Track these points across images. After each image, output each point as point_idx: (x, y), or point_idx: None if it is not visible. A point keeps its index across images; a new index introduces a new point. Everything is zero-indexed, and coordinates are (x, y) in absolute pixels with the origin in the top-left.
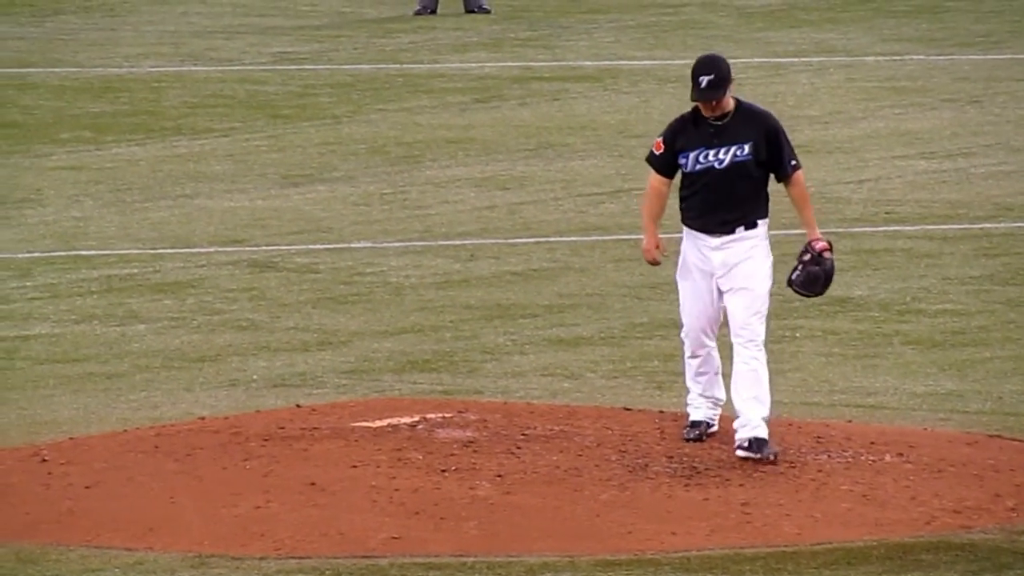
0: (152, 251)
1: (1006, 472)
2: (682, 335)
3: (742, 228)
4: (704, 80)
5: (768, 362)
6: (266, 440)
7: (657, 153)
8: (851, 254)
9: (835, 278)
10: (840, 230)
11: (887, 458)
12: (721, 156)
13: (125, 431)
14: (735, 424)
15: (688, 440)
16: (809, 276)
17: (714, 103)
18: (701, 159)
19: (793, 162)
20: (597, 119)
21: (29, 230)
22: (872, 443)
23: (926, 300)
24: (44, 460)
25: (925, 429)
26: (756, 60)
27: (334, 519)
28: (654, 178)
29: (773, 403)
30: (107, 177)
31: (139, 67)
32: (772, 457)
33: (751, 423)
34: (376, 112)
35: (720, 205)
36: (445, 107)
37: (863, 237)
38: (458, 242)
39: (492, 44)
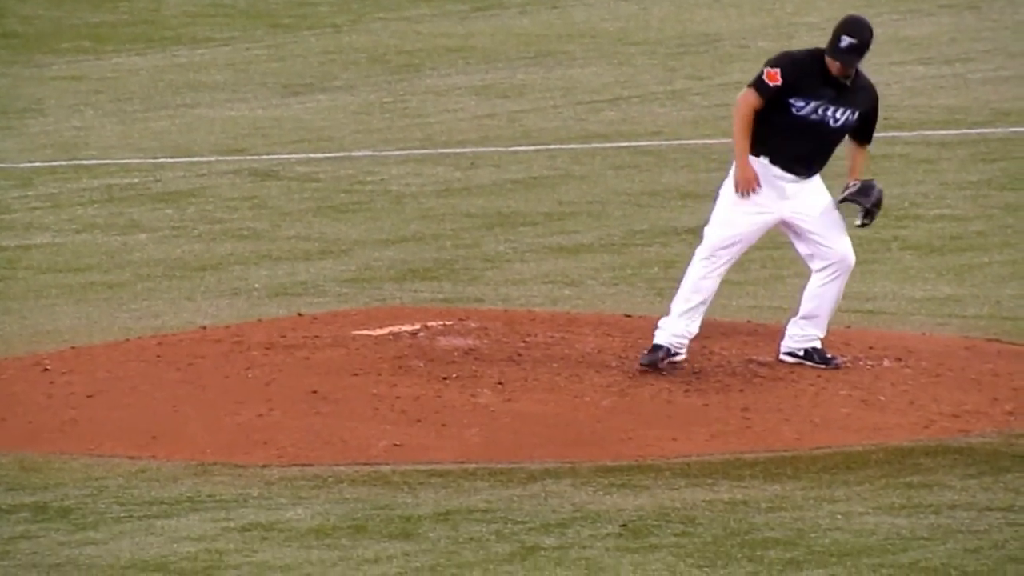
0: (153, 160)
1: (1004, 376)
2: (703, 255)
3: (807, 177)
4: (847, 42)
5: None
6: (268, 349)
7: (770, 84)
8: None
9: (834, 184)
10: None
11: (885, 363)
12: (838, 116)
13: (127, 340)
14: (795, 337)
15: (642, 365)
16: (863, 188)
17: (854, 67)
18: (820, 112)
19: (872, 135)
20: (597, 27)
21: (30, 139)
22: (871, 348)
23: (924, 205)
24: (46, 369)
25: (923, 334)
26: None
27: (336, 427)
28: (755, 101)
29: (774, 308)
30: (107, 87)
31: None
32: (839, 362)
33: (812, 335)
34: (376, 21)
35: (815, 155)
36: (445, 15)
37: None
38: (458, 150)
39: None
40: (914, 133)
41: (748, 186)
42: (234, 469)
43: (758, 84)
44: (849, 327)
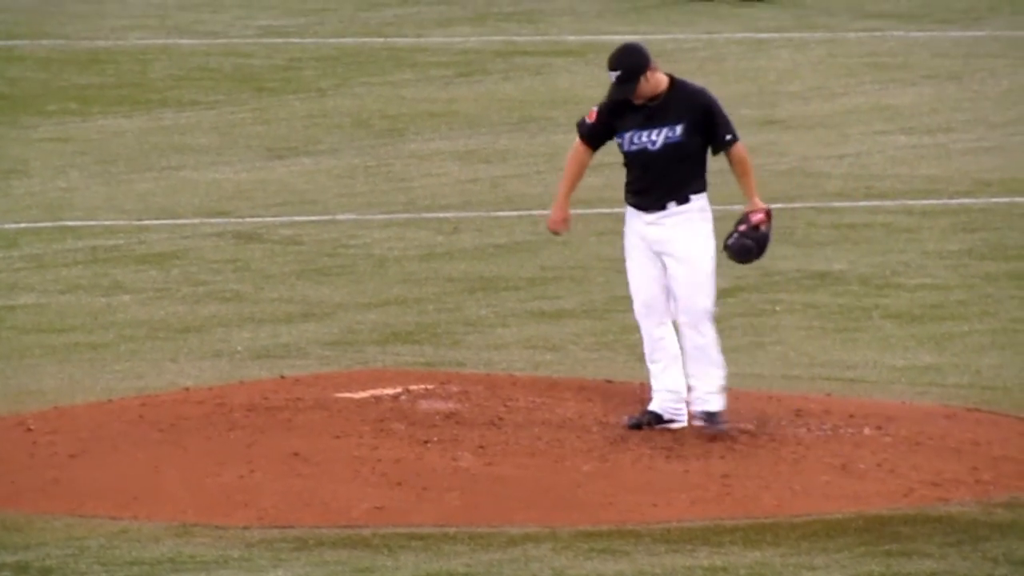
0: (137, 222)
1: (984, 445)
2: (634, 315)
3: (674, 204)
4: (613, 76)
5: (718, 333)
6: (250, 410)
7: (588, 122)
8: (831, 228)
9: (816, 252)
10: (820, 205)
11: (866, 431)
12: (654, 138)
13: (110, 401)
14: (690, 397)
15: (626, 426)
16: (743, 247)
17: (628, 96)
18: (635, 140)
19: (728, 136)
20: (580, 93)
21: (15, 200)
22: (851, 416)
23: (905, 274)
24: (29, 429)
25: (904, 402)
26: (738, 35)
27: (317, 489)
28: (578, 144)
29: (755, 376)
30: (93, 148)
31: (125, 39)
32: (725, 429)
33: (702, 396)
34: (360, 85)
35: (655, 184)
36: (429, 81)
37: (843, 211)
38: (441, 215)
39: (476, 18)
40: (896, 202)
41: (551, 226)
42: (215, 530)
43: (579, 123)
44: (830, 395)
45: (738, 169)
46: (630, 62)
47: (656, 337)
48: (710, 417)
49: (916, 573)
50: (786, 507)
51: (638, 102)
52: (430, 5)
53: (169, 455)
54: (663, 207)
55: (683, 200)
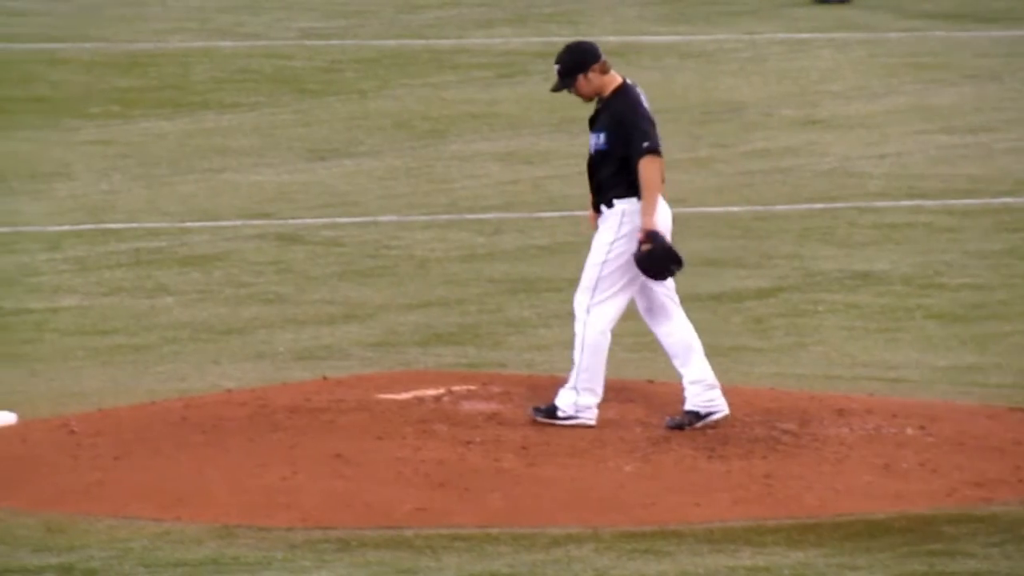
0: (180, 224)
1: None
2: None
3: (604, 207)
4: (555, 69)
5: (590, 328)
6: (292, 412)
7: None
8: (873, 228)
9: (858, 252)
10: (862, 205)
11: (908, 431)
12: (592, 142)
13: (153, 403)
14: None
15: (668, 427)
16: (639, 264)
17: (569, 91)
18: (590, 141)
19: (645, 144)
20: None
21: (59, 203)
22: (894, 416)
23: (947, 274)
24: (73, 431)
25: (946, 402)
26: (780, 35)
27: (360, 490)
28: None
29: (797, 376)
30: (135, 151)
31: (167, 42)
32: (552, 421)
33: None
34: (401, 87)
35: (593, 187)
36: (470, 82)
37: (885, 212)
38: (483, 216)
39: (516, 20)
40: (937, 202)
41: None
42: (258, 532)
43: None
44: (872, 395)
45: (640, 182)
46: (569, 59)
47: (663, 335)
48: (547, 412)
49: (959, 573)
50: (829, 507)
51: (586, 101)
52: (471, 7)
53: (212, 457)
54: (599, 210)
55: (608, 204)
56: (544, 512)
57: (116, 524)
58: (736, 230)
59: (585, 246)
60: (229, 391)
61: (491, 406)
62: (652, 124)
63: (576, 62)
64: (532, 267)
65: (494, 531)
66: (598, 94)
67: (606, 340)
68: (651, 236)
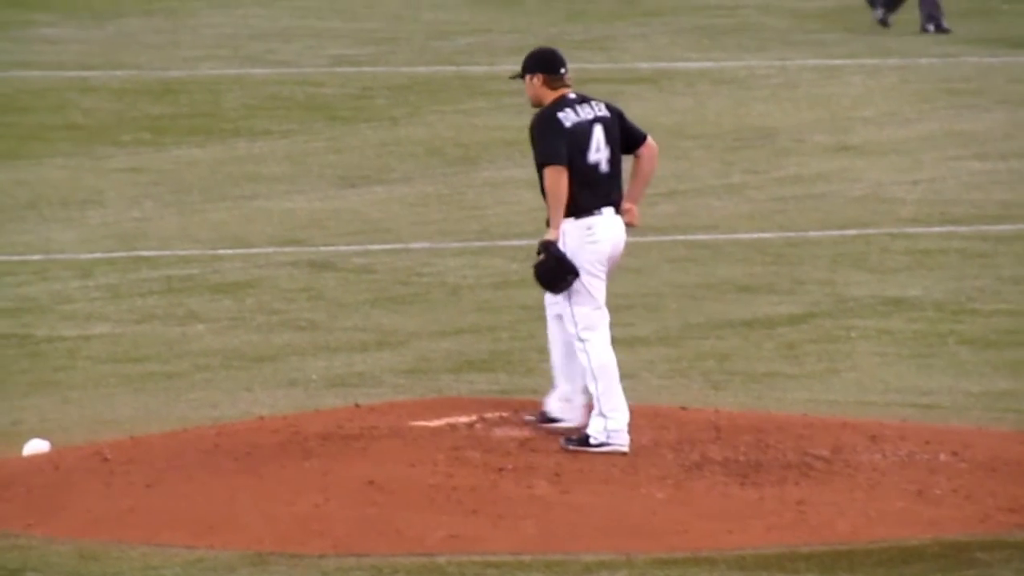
0: (212, 251)
1: None
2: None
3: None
4: None
5: (592, 353)
6: (325, 439)
7: None
8: (905, 254)
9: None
10: (894, 230)
11: (941, 457)
12: None
13: (185, 430)
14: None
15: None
16: (535, 275)
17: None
18: None
19: (542, 158)
20: (653, 120)
21: (91, 231)
22: (927, 442)
23: (980, 300)
24: (106, 459)
25: (979, 428)
26: (811, 62)
27: (392, 517)
28: None
29: (830, 402)
30: (167, 178)
31: (198, 69)
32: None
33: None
34: (433, 114)
35: None
36: (501, 109)
37: (918, 237)
38: (515, 242)
39: (548, 46)
40: (970, 228)
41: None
42: (291, 559)
43: None
44: (905, 421)
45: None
46: (527, 58)
47: (563, 342)
48: (579, 440)
49: None
50: (862, 533)
51: (532, 106)
52: (502, 33)
53: (244, 484)
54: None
55: (547, 223)
56: (577, 539)
57: (149, 551)
58: (768, 256)
59: (619, 272)
60: (261, 418)
61: (523, 433)
62: (561, 136)
63: (525, 64)
64: None
65: (527, 558)
66: (537, 104)
67: (610, 356)
68: (545, 246)
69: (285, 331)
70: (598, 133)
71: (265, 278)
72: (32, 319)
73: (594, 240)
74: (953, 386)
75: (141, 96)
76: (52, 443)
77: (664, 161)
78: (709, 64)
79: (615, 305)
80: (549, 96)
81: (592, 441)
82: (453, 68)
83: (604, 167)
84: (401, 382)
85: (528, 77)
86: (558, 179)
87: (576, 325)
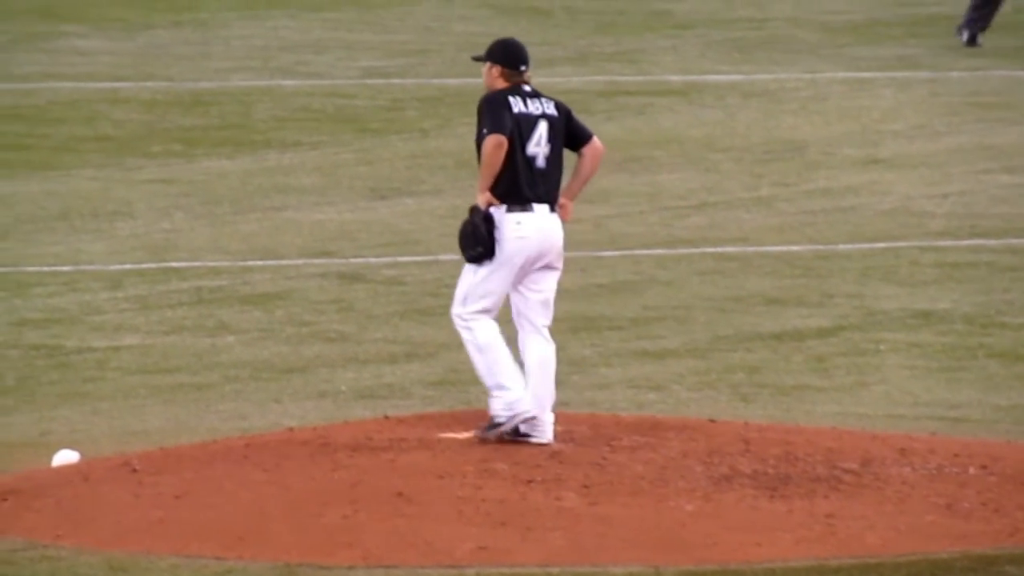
0: (241, 263)
1: None
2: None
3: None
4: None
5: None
6: (354, 451)
7: None
8: (935, 267)
9: (920, 291)
10: (924, 244)
11: (971, 470)
12: None
13: (215, 441)
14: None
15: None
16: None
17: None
18: None
19: (485, 129)
20: (683, 133)
21: (120, 242)
22: (956, 455)
23: (1010, 313)
24: (135, 470)
25: (1008, 441)
26: (840, 74)
27: (421, 529)
28: None
29: (859, 415)
30: (197, 190)
31: (229, 81)
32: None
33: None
34: (463, 126)
35: None
36: None
37: (947, 251)
38: None
39: (578, 58)
40: (1000, 241)
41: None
42: (319, 570)
43: None
44: (934, 434)
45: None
46: (492, 46)
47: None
48: (490, 427)
49: None
50: (891, 547)
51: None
52: (532, 45)
53: (274, 495)
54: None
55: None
56: (606, 551)
57: (178, 563)
58: (797, 269)
59: (649, 285)
60: (291, 430)
61: (552, 445)
62: (508, 113)
63: (492, 51)
64: (593, 306)
65: (555, 570)
66: (486, 85)
67: (496, 336)
68: (471, 209)
69: (315, 343)
70: (542, 128)
71: (295, 290)
72: (62, 330)
73: (520, 235)
74: (982, 399)
75: (171, 108)
76: (81, 454)
77: (693, 173)
78: (739, 77)
79: (645, 318)
80: (498, 85)
81: (498, 420)
82: (482, 80)
83: (541, 162)
84: (430, 394)
85: (488, 65)
86: (497, 148)
87: (464, 306)
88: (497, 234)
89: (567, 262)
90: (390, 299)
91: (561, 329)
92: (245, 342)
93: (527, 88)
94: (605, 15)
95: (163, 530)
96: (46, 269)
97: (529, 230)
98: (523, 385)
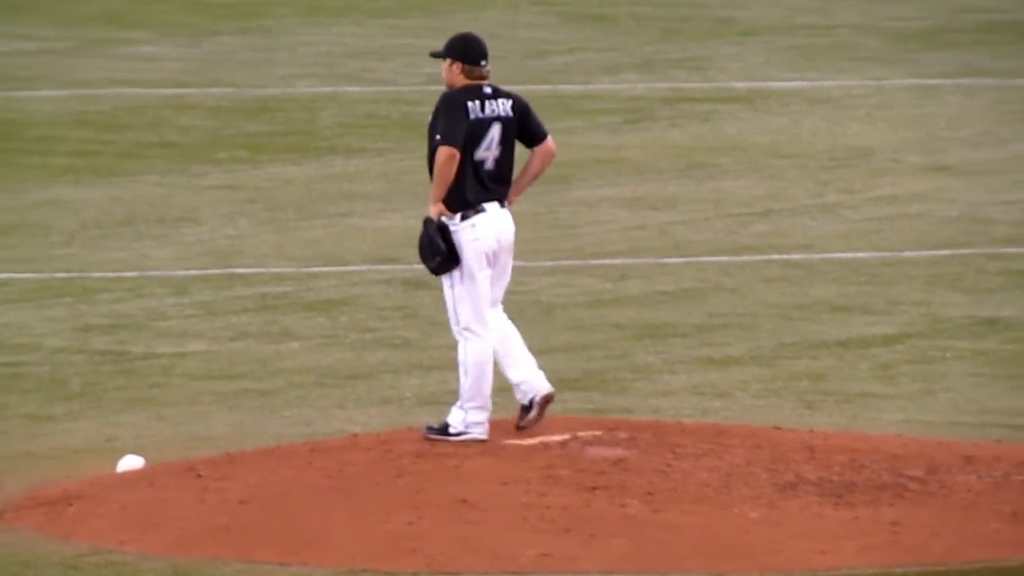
0: (306, 269)
1: None
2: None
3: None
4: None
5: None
6: (418, 457)
7: None
8: (1000, 275)
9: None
10: (989, 251)
11: None
12: None
13: (279, 447)
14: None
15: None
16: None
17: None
18: None
19: (438, 137)
20: (748, 140)
21: (186, 248)
22: (1021, 463)
23: None
24: (199, 475)
25: None
26: (907, 81)
27: (484, 535)
28: None
29: (925, 423)
30: (262, 196)
31: (294, 87)
32: (443, 438)
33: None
34: None
35: None
36: (596, 128)
37: (1012, 258)
38: (608, 261)
39: (643, 65)
40: None
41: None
42: None
43: None
44: (1000, 441)
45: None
46: (451, 41)
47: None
48: (440, 429)
49: None
50: (956, 555)
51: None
52: (598, 52)
53: (337, 501)
54: None
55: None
56: (669, 558)
57: (242, 568)
58: (863, 276)
59: (713, 292)
60: (355, 436)
61: (616, 452)
62: (463, 121)
63: (449, 47)
64: (658, 313)
65: None
66: (450, 87)
67: (488, 356)
68: (424, 222)
69: (379, 349)
70: (494, 131)
71: (359, 296)
72: (127, 336)
73: (476, 237)
74: None
75: (237, 114)
76: (146, 459)
77: (758, 180)
78: (804, 83)
79: (710, 325)
80: (462, 83)
81: (452, 430)
82: (548, 87)
83: (490, 165)
84: (494, 400)
85: (448, 62)
86: (449, 161)
87: (458, 322)
88: (455, 240)
89: (632, 269)
90: None
91: (625, 336)
92: (309, 348)
93: (487, 89)
94: (671, 22)
95: (227, 536)
96: (112, 275)
97: (482, 230)
98: (488, 413)
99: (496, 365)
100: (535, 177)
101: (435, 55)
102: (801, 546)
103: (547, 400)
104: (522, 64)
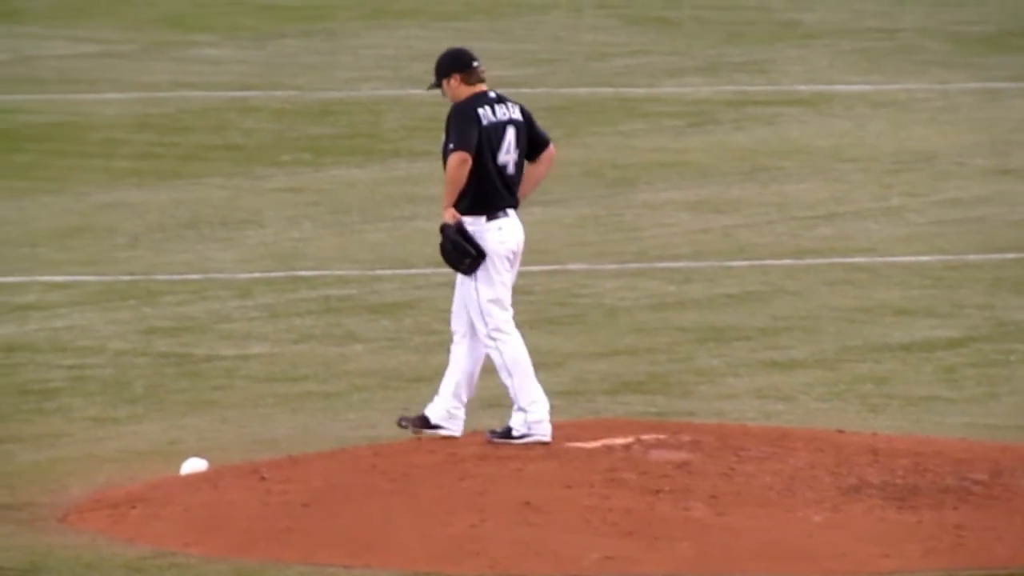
0: (370, 272)
1: None
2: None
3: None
4: None
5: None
6: (481, 460)
7: None
8: None
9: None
10: None
11: None
12: None
13: (342, 450)
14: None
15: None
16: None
17: (442, 94)
18: None
19: (451, 145)
20: (811, 143)
21: (249, 250)
22: None
23: None
24: (263, 478)
25: None
26: (971, 85)
27: (548, 538)
28: None
29: (989, 427)
30: (326, 198)
31: (358, 90)
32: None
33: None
34: (591, 135)
35: None
36: (660, 131)
37: None
38: (672, 264)
39: (707, 68)
40: None
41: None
42: None
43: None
44: None
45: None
46: (437, 64)
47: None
48: (503, 433)
49: None
50: (1020, 558)
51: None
52: (661, 55)
53: (401, 504)
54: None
55: (465, 212)
56: (733, 561)
57: (306, 571)
58: (927, 279)
59: (777, 295)
60: (419, 439)
61: (680, 455)
62: (476, 128)
63: (439, 67)
64: (721, 316)
65: None
66: (450, 99)
67: (523, 351)
68: (441, 229)
69: (443, 352)
70: (510, 135)
71: (423, 299)
72: (191, 338)
73: (502, 240)
74: None
75: (300, 117)
76: (210, 462)
77: (822, 183)
78: (868, 87)
79: (773, 328)
80: (467, 92)
81: (515, 433)
82: (612, 90)
83: (511, 169)
84: (558, 403)
85: (445, 82)
86: (461, 165)
87: (486, 324)
88: (480, 240)
89: (695, 272)
90: (518, 308)
91: (689, 339)
92: (373, 351)
93: (492, 94)
94: (734, 25)
95: (291, 538)
96: (175, 277)
97: (508, 234)
98: (547, 408)
99: (460, 370)
100: (537, 183)
101: (433, 87)
102: (864, 550)
103: (421, 421)
104: (585, 66)
